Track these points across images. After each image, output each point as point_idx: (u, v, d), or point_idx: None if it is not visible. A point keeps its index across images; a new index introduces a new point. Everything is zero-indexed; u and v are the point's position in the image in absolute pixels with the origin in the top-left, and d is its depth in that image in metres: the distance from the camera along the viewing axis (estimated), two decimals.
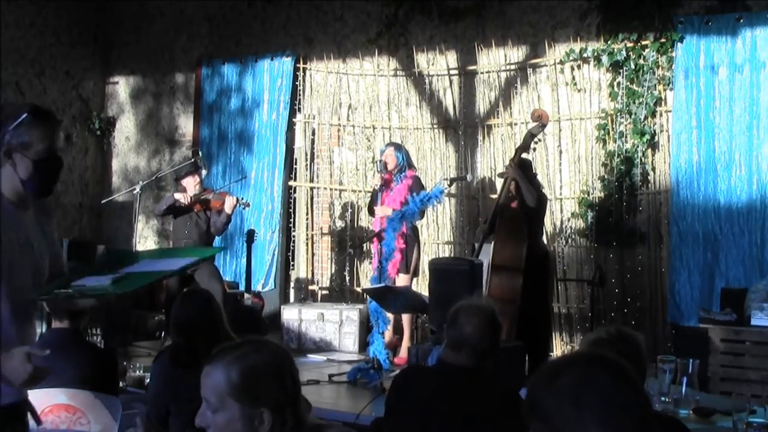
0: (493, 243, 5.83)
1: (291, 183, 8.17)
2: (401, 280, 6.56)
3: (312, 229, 8.14)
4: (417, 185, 6.67)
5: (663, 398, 3.35)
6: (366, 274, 7.76)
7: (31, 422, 2.58)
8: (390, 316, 6.47)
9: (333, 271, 8.14)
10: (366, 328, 6.77)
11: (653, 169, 6.77)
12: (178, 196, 6.82)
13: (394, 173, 6.72)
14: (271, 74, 8.22)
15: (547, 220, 6.69)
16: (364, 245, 7.66)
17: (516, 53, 7.31)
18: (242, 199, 6.98)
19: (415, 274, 6.81)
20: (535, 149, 6.70)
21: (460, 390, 2.84)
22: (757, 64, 6.29)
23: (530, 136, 6.13)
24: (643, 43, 6.70)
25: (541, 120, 6.13)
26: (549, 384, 1.44)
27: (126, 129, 9.17)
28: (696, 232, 6.43)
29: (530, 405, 1.47)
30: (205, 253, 3.63)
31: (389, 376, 5.20)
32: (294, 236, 8.16)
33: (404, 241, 6.51)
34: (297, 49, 8.20)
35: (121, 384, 4.01)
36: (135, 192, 7.07)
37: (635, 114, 6.70)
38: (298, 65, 8.13)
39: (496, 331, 2.99)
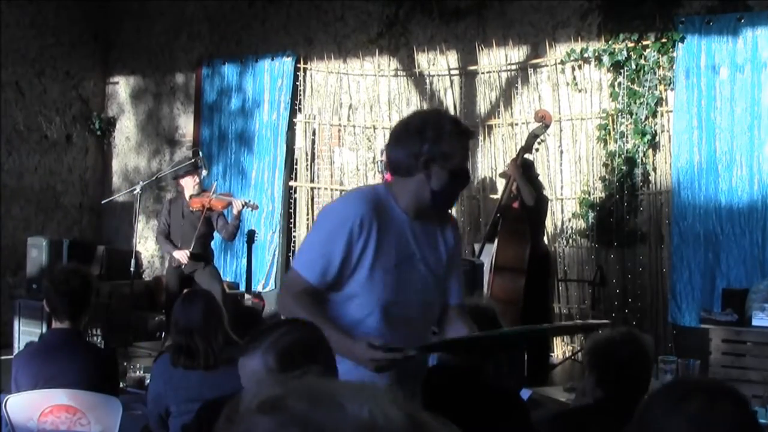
0: (495, 243, 5.82)
1: (291, 183, 8.16)
2: None
3: None
4: None
5: None
6: None
7: (30, 421, 2.57)
8: None
9: None
10: None
11: (654, 169, 6.76)
12: (178, 255, 6.67)
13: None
14: (272, 74, 8.21)
15: (547, 220, 6.68)
16: None
17: (517, 53, 7.30)
18: (249, 201, 6.91)
19: None
20: (537, 150, 6.69)
21: (461, 390, 2.84)
22: (759, 64, 6.28)
23: (533, 137, 6.12)
24: (644, 43, 6.69)
25: (544, 121, 6.13)
26: (676, 407, 1.44)
27: (126, 129, 9.16)
28: (697, 233, 6.43)
29: (643, 422, 1.47)
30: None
31: None
32: (294, 237, 8.15)
33: None
34: (297, 49, 8.19)
35: (121, 384, 4.00)
36: (135, 192, 7.05)
37: (636, 114, 6.69)
38: (298, 65, 8.12)
39: None
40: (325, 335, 2.32)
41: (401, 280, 2.40)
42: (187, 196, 6.87)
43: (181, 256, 6.66)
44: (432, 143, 2.35)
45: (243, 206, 6.68)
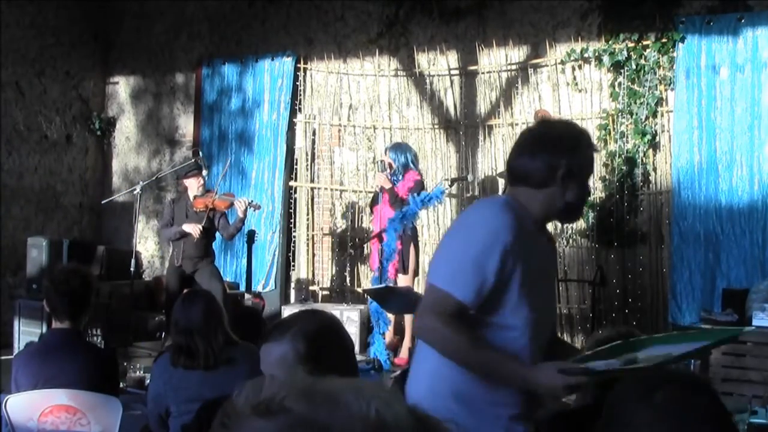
0: None
1: (291, 183, 8.16)
2: (402, 281, 6.55)
3: (312, 230, 8.13)
4: (418, 189, 6.62)
5: None
6: (366, 275, 7.75)
7: (30, 421, 2.56)
8: (391, 316, 6.45)
9: (333, 271, 8.13)
10: (367, 329, 6.76)
11: (654, 169, 6.76)
12: (189, 228, 6.66)
13: (394, 173, 6.70)
14: (272, 74, 8.21)
15: None
16: (365, 246, 7.65)
17: (517, 53, 7.30)
18: (252, 201, 6.91)
19: (416, 274, 6.80)
20: None
21: None
22: (759, 64, 6.29)
23: None
24: (645, 43, 6.69)
25: None
26: (644, 398, 1.43)
27: (126, 129, 9.16)
28: (697, 233, 6.43)
29: (612, 414, 1.46)
30: (723, 335, 2.89)
31: (390, 377, 5.19)
32: (294, 237, 8.15)
33: (400, 241, 6.49)
34: (297, 49, 8.19)
35: (121, 385, 4.00)
36: (135, 192, 7.05)
37: (636, 114, 6.69)
38: (298, 65, 8.12)
39: None
40: (488, 362, 2.15)
41: (540, 297, 2.32)
42: (190, 197, 6.88)
43: (193, 228, 6.61)
44: (570, 156, 2.29)
45: (246, 206, 6.69)
